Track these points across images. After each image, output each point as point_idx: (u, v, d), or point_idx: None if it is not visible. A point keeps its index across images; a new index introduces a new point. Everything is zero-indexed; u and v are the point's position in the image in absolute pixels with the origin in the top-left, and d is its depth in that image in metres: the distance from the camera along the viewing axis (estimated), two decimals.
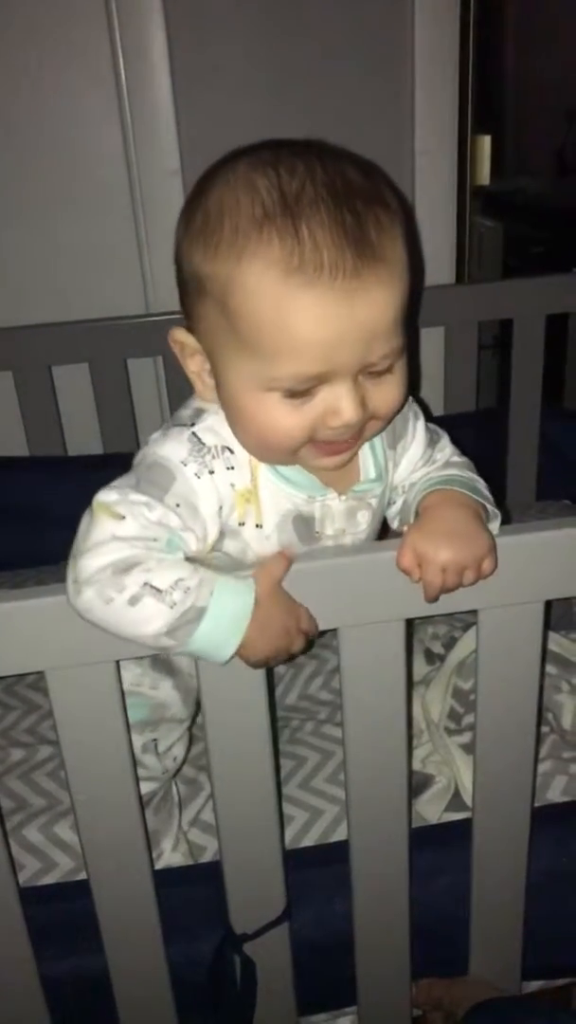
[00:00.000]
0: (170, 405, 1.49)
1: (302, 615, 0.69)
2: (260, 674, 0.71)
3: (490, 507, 0.77)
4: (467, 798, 0.96)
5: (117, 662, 0.70)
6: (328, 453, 0.73)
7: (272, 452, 0.74)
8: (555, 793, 0.98)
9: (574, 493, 1.59)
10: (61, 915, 0.85)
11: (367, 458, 0.82)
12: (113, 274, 1.52)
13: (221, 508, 0.74)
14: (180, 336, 0.75)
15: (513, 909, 0.89)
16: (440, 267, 1.61)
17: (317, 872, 0.88)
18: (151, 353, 1.47)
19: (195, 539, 0.71)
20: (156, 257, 1.50)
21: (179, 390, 1.40)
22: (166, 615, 0.65)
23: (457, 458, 0.87)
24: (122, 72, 1.40)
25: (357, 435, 0.73)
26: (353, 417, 0.69)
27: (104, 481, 1.40)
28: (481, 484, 0.81)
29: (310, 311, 0.64)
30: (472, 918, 0.89)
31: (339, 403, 0.69)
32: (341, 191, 0.66)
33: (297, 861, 0.86)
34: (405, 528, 0.75)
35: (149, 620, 0.65)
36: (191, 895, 0.86)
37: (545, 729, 1.04)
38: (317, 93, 1.49)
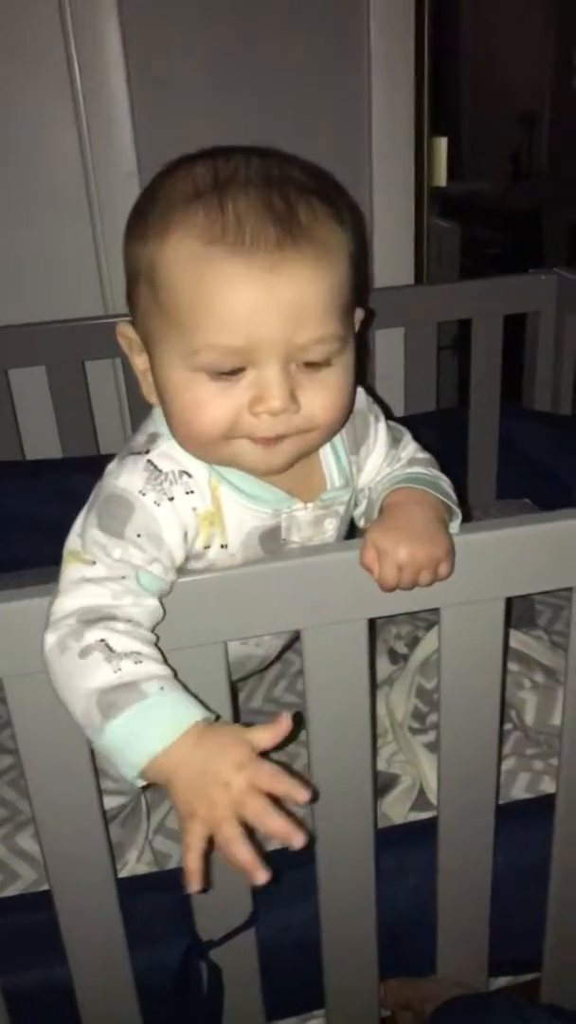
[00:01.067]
0: (130, 407, 1.47)
1: (250, 803, 0.60)
2: (226, 689, 0.71)
3: (453, 505, 0.77)
4: (432, 797, 0.96)
5: None
6: (263, 445, 0.70)
7: (202, 442, 0.70)
8: (519, 790, 0.99)
9: (533, 492, 1.60)
10: (23, 927, 0.83)
11: (331, 465, 0.81)
12: (70, 276, 1.52)
13: (186, 534, 0.72)
14: (124, 330, 0.74)
15: (479, 906, 0.89)
16: (399, 268, 1.62)
17: (282, 875, 0.88)
18: (109, 355, 1.45)
19: (162, 568, 0.69)
20: (113, 259, 1.49)
21: (138, 393, 1.41)
22: (107, 677, 0.62)
23: (420, 455, 0.87)
24: (77, 74, 1.39)
25: (290, 436, 0.70)
26: (278, 403, 0.67)
27: (60, 485, 1.39)
28: (445, 482, 0.82)
29: (228, 279, 0.64)
30: (438, 917, 0.89)
31: (265, 388, 0.67)
32: (276, 179, 0.66)
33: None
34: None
35: (90, 679, 0.62)
36: (155, 902, 0.85)
37: (508, 726, 1.05)
38: (273, 96, 1.49)
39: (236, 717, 0.75)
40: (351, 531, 0.88)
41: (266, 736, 0.62)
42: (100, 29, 1.37)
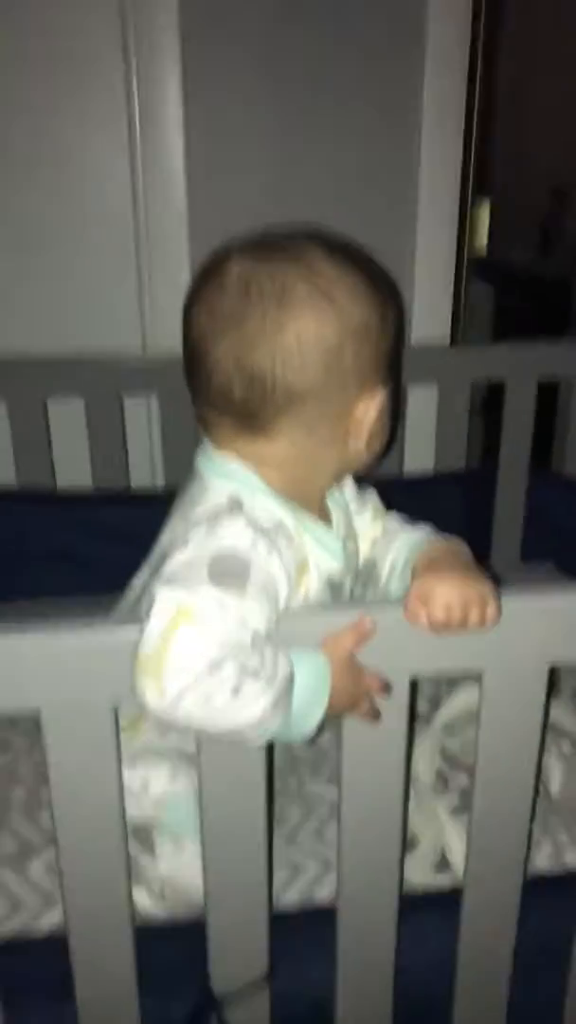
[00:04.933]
0: (163, 444, 1.48)
1: (370, 682, 0.69)
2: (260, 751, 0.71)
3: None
4: (453, 862, 0.94)
5: (115, 708, 0.68)
6: None
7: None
8: (542, 860, 0.97)
9: (558, 557, 1.60)
10: (35, 970, 0.81)
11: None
12: (112, 311, 1.53)
13: (288, 584, 0.72)
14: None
15: (498, 980, 0.87)
16: (436, 327, 1.63)
17: (300, 934, 0.86)
18: (148, 391, 1.47)
19: (270, 623, 0.68)
20: (157, 295, 1.51)
21: (174, 428, 1.41)
22: (268, 691, 0.64)
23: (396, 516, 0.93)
24: (136, 111, 1.42)
25: None
26: None
27: (90, 518, 1.40)
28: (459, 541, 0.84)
29: None
30: (456, 988, 0.86)
31: None
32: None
33: (280, 925, 0.84)
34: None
35: (254, 701, 0.64)
36: (168, 953, 0.83)
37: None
38: (324, 146, 1.52)
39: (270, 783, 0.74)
40: None
41: (351, 642, 0.67)
42: (161, 67, 1.40)
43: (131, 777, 0.84)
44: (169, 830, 0.86)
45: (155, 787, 0.86)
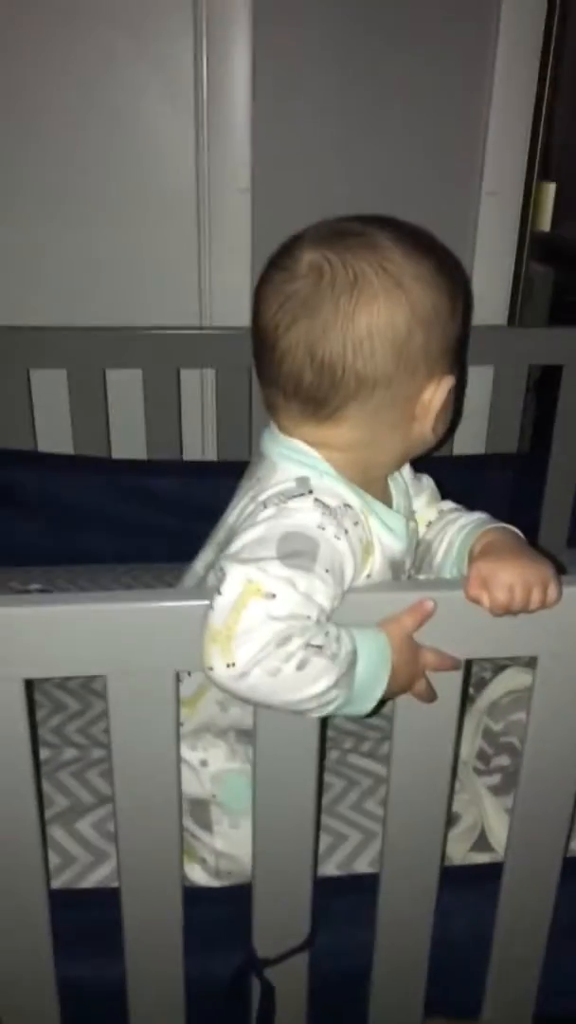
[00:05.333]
0: (217, 417, 1.49)
1: (428, 660, 0.70)
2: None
3: None
4: (492, 839, 0.96)
5: (176, 672, 0.70)
6: None
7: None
8: None
9: None
10: (86, 921, 0.84)
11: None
12: (172, 284, 1.54)
13: (355, 565, 0.73)
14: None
15: (534, 954, 0.88)
16: (494, 308, 1.62)
17: (340, 901, 0.88)
18: (204, 365, 1.48)
19: (335, 603, 0.69)
20: (216, 272, 1.52)
21: (229, 402, 1.43)
22: (333, 668, 0.66)
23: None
24: (204, 87, 1.42)
25: None
26: None
27: (139, 486, 1.42)
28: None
29: None
30: (491, 961, 0.88)
31: None
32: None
33: (320, 891, 0.86)
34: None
35: (318, 678, 0.65)
36: (214, 914, 0.86)
37: None
38: (391, 124, 1.51)
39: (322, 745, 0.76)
40: None
41: (411, 622, 0.69)
42: (230, 44, 1.40)
43: (190, 755, 0.87)
44: (226, 807, 0.88)
45: (213, 765, 0.88)
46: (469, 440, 1.56)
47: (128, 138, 1.46)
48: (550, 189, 2.25)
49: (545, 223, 2.22)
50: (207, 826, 0.89)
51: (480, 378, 1.50)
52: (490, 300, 1.62)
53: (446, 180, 1.55)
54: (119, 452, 1.49)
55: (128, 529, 1.48)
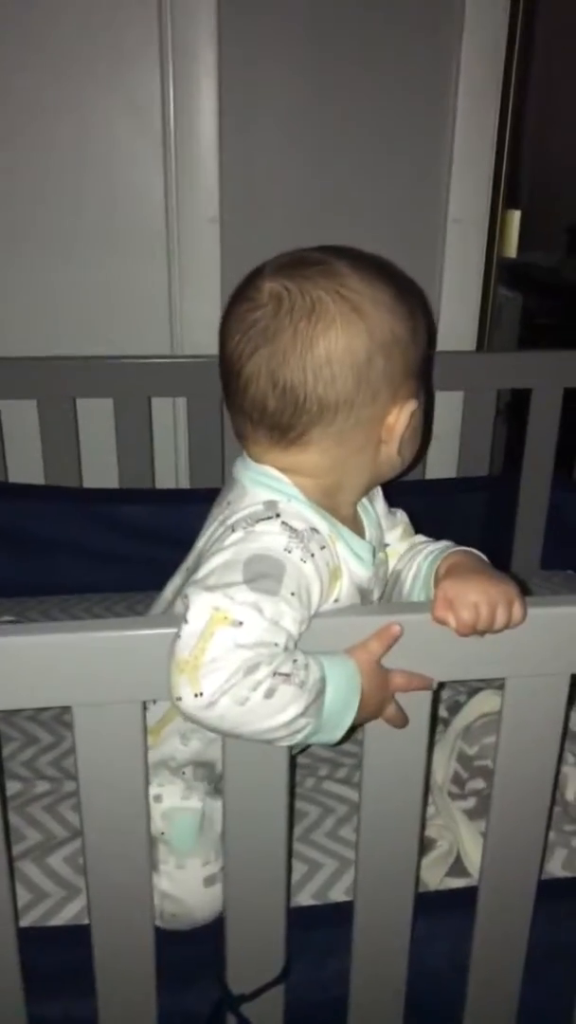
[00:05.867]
0: (189, 445, 1.49)
1: (398, 683, 0.70)
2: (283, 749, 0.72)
3: None
4: (468, 864, 0.95)
5: (143, 702, 0.70)
6: None
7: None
8: (555, 866, 0.98)
9: None
10: (57, 959, 0.83)
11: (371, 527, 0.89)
12: (142, 314, 1.55)
13: (321, 590, 0.73)
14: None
15: (511, 980, 0.88)
16: (463, 334, 1.64)
17: (316, 931, 0.87)
18: (175, 393, 1.48)
19: (301, 629, 0.69)
20: (187, 300, 1.53)
21: (201, 430, 1.43)
22: (301, 696, 0.65)
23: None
24: (171, 118, 1.44)
25: None
26: None
27: (109, 514, 1.41)
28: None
29: None
30: (469, 986, 0.87)
31: None
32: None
33: (295, 921, 0.85)
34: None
35: (286, 706, 0.65)
36: (187, 951, 0.85)
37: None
38: (357, 153, 1.53)
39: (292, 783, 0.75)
40: None
41: (379, 647, 0.69)
42: (196, 75, 1.42)
43: None
44: (173, 846, 0.87)
45: (166, 801, 0.87)
46: (440, 464, 1.57)
47: (98, 169, 1.47)
48: (515, 216, 2.29)
49: (512, 250, 2.26)
50: (153, 865, 0.88)
51: (450, 403, 1.52)
52: (459, 326, 1.64)
53: (413, 208, 1.58)
54: (91, 481, 1.49)
55: (101, 559, 1.48)
